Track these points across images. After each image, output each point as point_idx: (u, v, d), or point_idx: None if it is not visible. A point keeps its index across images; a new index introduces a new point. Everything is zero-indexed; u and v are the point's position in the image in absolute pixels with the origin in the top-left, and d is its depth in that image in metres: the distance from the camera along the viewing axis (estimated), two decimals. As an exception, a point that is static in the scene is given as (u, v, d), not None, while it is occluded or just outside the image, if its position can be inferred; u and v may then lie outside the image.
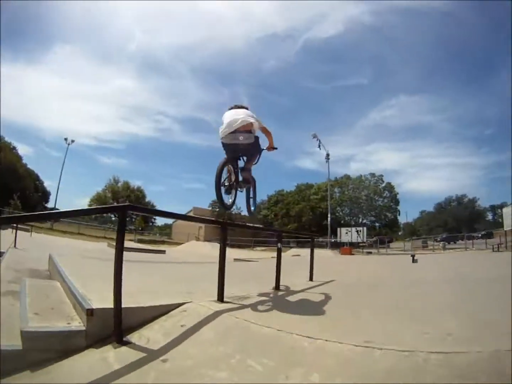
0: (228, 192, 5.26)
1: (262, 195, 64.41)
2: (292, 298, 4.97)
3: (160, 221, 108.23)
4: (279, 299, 4.99)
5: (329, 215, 35.91)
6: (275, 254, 7.33)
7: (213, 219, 9.52)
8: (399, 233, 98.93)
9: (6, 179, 62.37)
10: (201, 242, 42.49)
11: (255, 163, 5.46)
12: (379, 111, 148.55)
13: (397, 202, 63.94)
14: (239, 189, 5.59)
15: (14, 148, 74.47)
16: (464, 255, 22.84)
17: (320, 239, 40.06)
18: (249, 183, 5.64)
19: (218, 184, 4.87)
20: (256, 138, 5.06)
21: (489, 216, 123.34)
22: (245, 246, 45.88)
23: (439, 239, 48.58)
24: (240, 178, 5.34)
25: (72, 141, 55.70)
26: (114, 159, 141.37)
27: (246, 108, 5.31)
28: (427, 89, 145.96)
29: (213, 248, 31.51)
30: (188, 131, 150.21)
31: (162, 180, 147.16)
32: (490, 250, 25.69)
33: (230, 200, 5.58)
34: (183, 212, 68.25)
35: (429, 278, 8.54)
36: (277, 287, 5.77)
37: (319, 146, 34.60)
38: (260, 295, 4.96)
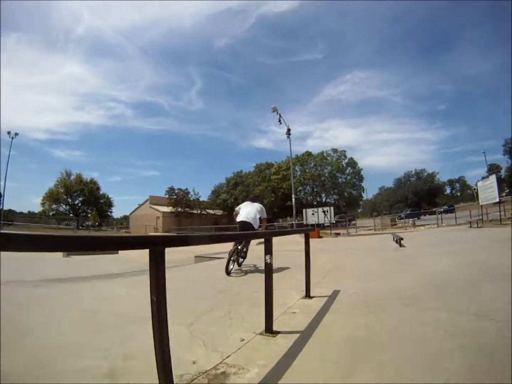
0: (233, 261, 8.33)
1: (221, 178, 61.97)
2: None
3: (117, 213, 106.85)
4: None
5: (293, 196, 33.22)
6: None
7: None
8: (359, 210, 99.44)
9: None
10: (160, 234, 38.77)
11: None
12: (334, 86, 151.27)
13: (361, 178, 61.79)
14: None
15: None
16: (443, 232, 20.92)
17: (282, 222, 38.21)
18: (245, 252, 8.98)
19: (229, 257, 8.01)
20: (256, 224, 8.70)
21: (447, 190, 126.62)
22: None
23: (403, 215, 47.43)
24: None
25: (16, 134, 52.01)
26: (68, 151, 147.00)
27: (260, 201, 9.93)
28: (381, 64, 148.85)
29: None
30: (141, 116, 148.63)
31: (118, 170, 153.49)
32: (464, 225, 24.33)
33: (231, 267, 8.07)
34: (140, 201, 67.65)
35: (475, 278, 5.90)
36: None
37: (279, 121, 31.58)
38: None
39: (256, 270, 8.57)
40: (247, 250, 8.94)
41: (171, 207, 55.98)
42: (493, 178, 22.58)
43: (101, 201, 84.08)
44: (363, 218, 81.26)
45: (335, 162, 59.22)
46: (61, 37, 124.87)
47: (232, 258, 8.05)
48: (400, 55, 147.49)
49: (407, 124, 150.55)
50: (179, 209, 56.07)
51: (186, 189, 57.96)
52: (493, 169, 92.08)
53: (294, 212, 33.02)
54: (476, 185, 29.67)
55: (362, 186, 62.28)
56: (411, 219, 36.81)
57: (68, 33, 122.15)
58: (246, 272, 8.27)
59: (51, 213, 75.07)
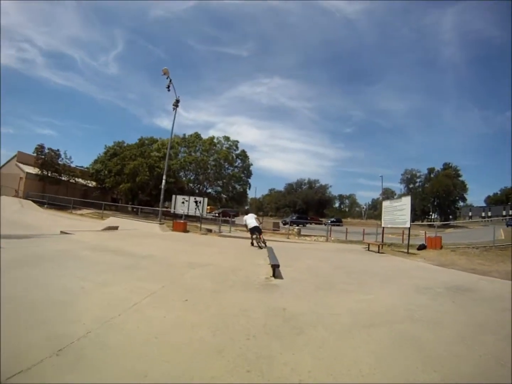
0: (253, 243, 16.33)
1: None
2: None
3: None
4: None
5: (164, 177, 27.59)
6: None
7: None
8: (246, 207, 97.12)
9: None
10: (13, 199, 32.79)
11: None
12: (250, 86, 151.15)
13: (249, 174, 57.82)
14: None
15: None
16: (336, 252, 17.22)
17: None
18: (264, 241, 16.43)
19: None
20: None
21: (336, 204, 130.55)
22: (68, 207, 37.27)
23: (288, 220, 43.46)
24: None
25: None
26: None
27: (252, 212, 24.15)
28: (302, 77, 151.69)
29: (22, 211, 26.13)
30: (52, 68, 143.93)
31: (13, 122, 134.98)
32: (357, 244, 21.80)
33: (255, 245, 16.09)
34: (6, 157, 56.22)
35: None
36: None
37: (168, 87, 26.18)
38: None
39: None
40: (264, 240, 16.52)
41: (37, 169, 46.82)
42: (407, 200, 18.62)
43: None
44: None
45: (224, 150, 54.46)
46: None
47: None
48: (322, 74, 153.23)
49: (311, 137, 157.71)
50: (46, 173, 47.25)
51: (58, 150, 49.38)
52: (387, 193, 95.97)
53: (162, 196, 27.39)
54: (367, 205, 26.28)
55: (249, 182, 58.19)
56: (296, 227, 32.43)
57: None
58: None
59: None
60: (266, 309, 5.43)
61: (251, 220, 16.72)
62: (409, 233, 18.31)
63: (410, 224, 18.41)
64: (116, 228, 19.07)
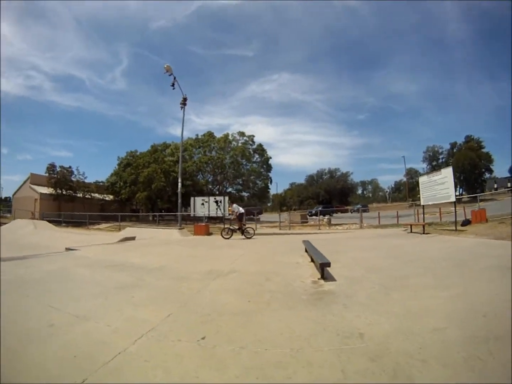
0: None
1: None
2: None
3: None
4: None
5: (179, 179, 25.77)
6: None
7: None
8: (269, 204, 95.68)
9: None
10: (26, 221, 30.85)
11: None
12: (259, 84, 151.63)
13: (268, 168, 55.02)
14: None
15: None
16: (380, 238, 14.92)
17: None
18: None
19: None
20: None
21: (359, 191, 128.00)
22: (85, 223, 35.79)
23: (314, 211, 41.49)
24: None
25: None
26: None
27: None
28: (310, 70, 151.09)
29: (34, 232, 24.94)
30: (60, 90, 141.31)
31: (29, 148, 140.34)
32: (394, 228, 20.15)
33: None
34: (21, 181, 56.14)
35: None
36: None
37: (173, 85, 25.20)
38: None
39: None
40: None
41: (51, 189, 46.13)
42: (448, 171, 16.07)
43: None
44: (271, 213, 77.19)
45: (240, 146, 52.26)
46: None
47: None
48: (330, 66, 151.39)
49: (326, 128, 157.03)
50: (60, 191, 46.43)
51: (70, 167, 48.56)
52: (410, 173, 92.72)
53: (179, 200, 25.56)
54: (390, 188, 24.12)
55: (270, 176, 55.40)
56: (325, 216, 30.17)
57: None
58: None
59: None
60: (333, 338, 3.31)
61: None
62: (455, 208, 16.02)
63: (456, 198, 16.10)
64: (132, 238, 17.68)
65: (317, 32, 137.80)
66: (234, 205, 18.98)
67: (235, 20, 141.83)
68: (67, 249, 13.14)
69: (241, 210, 18.36)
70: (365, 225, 23.32)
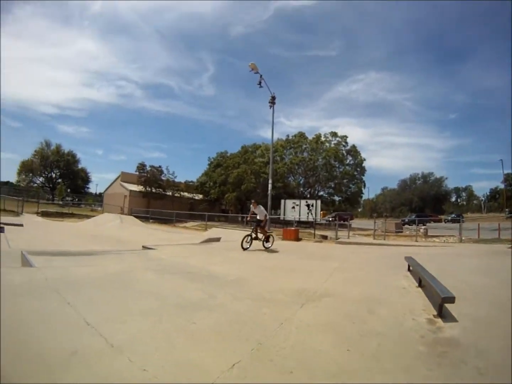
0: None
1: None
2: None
3: (94, 188, 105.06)
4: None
5: (270, 180, 24.95)
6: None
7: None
8: (359, 210, 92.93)
9: None
10: (113, 215, 32.08)
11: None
12: (346, 85, 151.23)
13: (362, 171, 51.72)
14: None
15: None
16: (485, 255, 12.77)
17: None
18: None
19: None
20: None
21: (453, 198, 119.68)
22: (172, 221, 36.98)
23: (407, 220, 39.14)
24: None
25: None
26: (75, 127, 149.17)
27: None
28: (396, 67, 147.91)
29: (120, 226, 25.09)
30: (150, 97, 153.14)
31: (123, 149, 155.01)
32: (499, 243, 17.33)
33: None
34: (111, 178, 60.66)
35: None
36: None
37: (259, 83, 24.83)
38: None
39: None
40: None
41: (141, 186, 48.62)
42: None
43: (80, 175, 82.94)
44: (362, 218, 74.69)
45: (333, 147, 49.63)
46: (77, 12, 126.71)
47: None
48: (415, 61, 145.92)
49: (415, 129, 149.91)
50: (149, 189, 48.75)
51: (160, 166, 50.87)
52: (509, 179, 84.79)
53: (269, 203, 24.76)
54: (485, 196, 21.25)
55: (363, 180, 52.11)
56: (422, 226, 27.75)
57: (84, 8, 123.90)
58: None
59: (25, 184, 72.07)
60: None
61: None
62: None
63: None
64: (217, 240, 17.15)
65: (397, 24, 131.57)
66: (261, 207, 14.63)
67: (313, 19, 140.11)
68: (144, 247, 12.72)
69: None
70: (463, 238, 20.84)
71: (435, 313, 4.74)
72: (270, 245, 14.12)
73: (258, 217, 14.06)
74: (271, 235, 14.62)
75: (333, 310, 5.03)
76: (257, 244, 13.76)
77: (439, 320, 4.47)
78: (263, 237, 13.98)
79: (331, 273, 8.24)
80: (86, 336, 3.48)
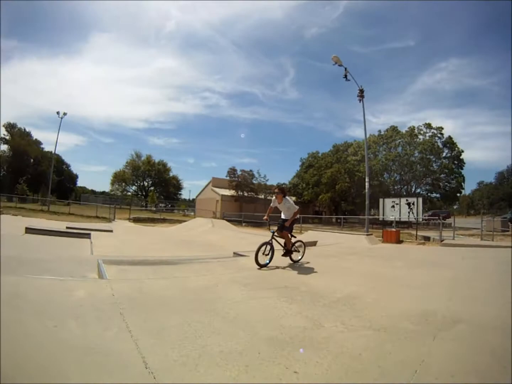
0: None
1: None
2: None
3: (187, 194, 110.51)
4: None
5: (366, 179, 23.69)
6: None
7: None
8: (455, 207, 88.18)
9: (17, 163, 74.27)
10: (205, 219, 32.96)
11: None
12: (429, 75, 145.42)
13: (461, 164, 47.48)
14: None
15: (27, 134, 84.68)
16: None
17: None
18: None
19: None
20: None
21: None
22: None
23: (508, 217, 36.44)
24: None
25: (65, 114, 49.36)
26: (165, 139, 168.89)
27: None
28: (476, 51, 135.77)
29: (211, 230, 25.70)
30: (236, 106, 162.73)
31: (213, 156, 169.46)
32: None
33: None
34: (203, 184, 64.87)
35: None
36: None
37: (345, 76, 24.04)
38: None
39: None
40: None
41: (232, 191, 50.36)
42: None
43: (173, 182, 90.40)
44: (458, 216, 70.92)
45: (428, 140, 46.30)
46: (152, 33, 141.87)
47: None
48: (494, 41, 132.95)
49: (506, 116, 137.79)
50: (241, 193, 50.17)
51: (251, 170, 52.14)
52: None
53: (367, 202, 23.89)
54: None
55: (463, 174, 47.77)
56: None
57: (159, 29, 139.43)
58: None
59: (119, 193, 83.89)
60: None
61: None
62: None
63: None
64: (314, 244, 15.46)
65: (467, 4, 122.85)
66: (290, 200, 9.45)
67: (384, 11, 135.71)
68: (235, 254, 11.44)
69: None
70: None
71: None
72: (300, 257, 9.72)
73: (283, 216, 9.36)
74: (301, 242, 10.01)
75: (470, 349, 3.44)
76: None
77: None
78: (292, 246, 9.30)
79: (452, 287, 6.76)
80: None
